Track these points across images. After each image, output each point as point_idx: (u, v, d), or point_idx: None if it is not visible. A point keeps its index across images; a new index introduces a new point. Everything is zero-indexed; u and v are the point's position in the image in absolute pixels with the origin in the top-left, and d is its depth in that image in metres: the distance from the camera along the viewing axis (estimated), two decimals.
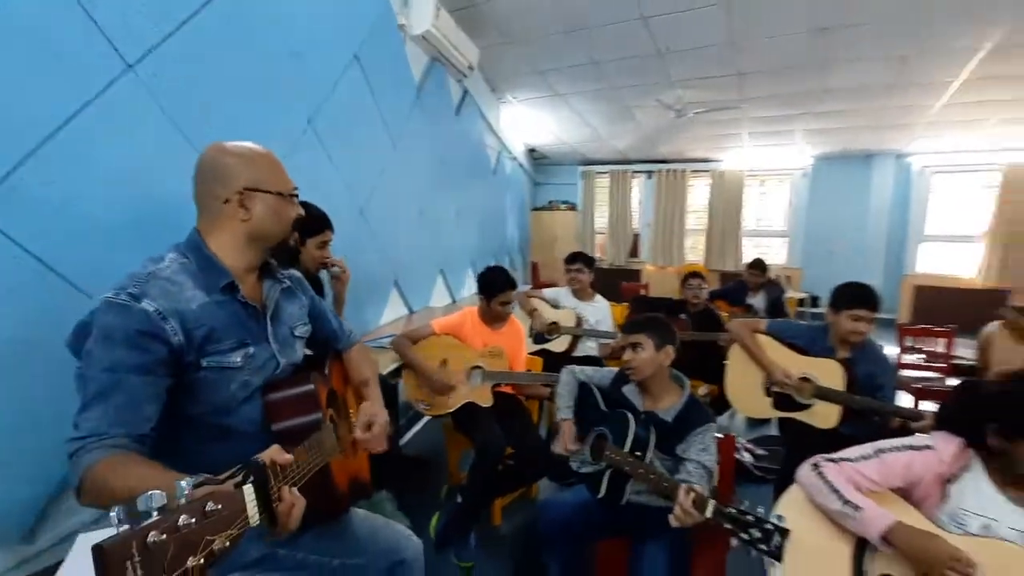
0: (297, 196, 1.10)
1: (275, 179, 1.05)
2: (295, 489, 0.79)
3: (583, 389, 1.85)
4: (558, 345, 3.19)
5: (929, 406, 2.45)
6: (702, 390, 3.09)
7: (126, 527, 0.53)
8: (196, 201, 1.02)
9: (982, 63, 4.08)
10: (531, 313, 3.27)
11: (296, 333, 1.14)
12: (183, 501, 0.58)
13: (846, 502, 1.16)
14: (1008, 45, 3.75)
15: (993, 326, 2.76)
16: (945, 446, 1.17)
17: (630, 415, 1.65)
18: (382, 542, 1.07)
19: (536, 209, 8.83)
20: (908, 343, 3.62)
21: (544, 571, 1.56)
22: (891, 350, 3.91)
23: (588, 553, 1.68)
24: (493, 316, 2.53)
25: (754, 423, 3.50)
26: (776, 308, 3.90)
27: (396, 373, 2.52)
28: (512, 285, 2.49)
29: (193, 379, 0.93)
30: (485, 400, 2.33)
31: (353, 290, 2.24)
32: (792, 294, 5.36)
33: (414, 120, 3.69)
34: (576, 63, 4.60)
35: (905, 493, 1.21)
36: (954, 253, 6.85)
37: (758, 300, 4.00)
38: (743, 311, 3.96)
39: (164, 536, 0.54)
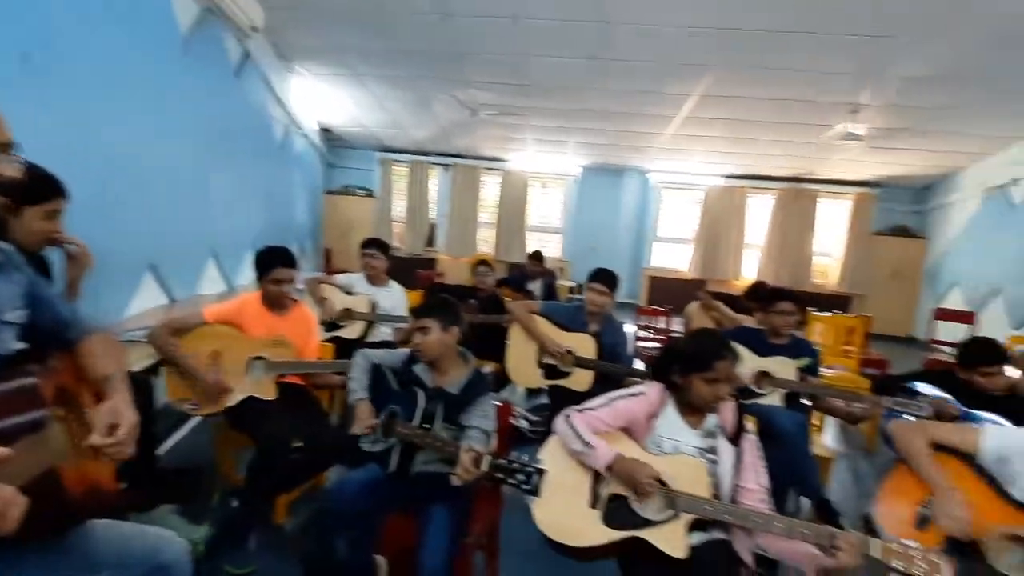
0: (7, 149, 0.87)
1: None
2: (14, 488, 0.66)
3: (376, 371, 1.88)
4: (351, 332, 3.13)
5: None
6: (487, 368, 3.39)
7: None
8: None
9: (693, 106, 5.33)
10: (320, 301, 3.12)
11: (5, 319, 0.91)
12: None
13: (584, 443, 1.46)
14: (708, 95, 4.98)
15: (692, 305, 3.70)
16: (651, 391, 1.57)
17: (420, 391, 1.75)
18: (133, 550, 0.93)
19: (331, 193, 8.35)
20: (642, 321, 4.56)
21: (332, 553, 1.56)
22: (632, 327, 4.85)
23: (377, 528, 1.74)
24: (274, 300, 2.35)
25: (531, 395, 3.98)
26: (550, 293, 4.49)
27: (153, 370, 2.17)
28: (287, 263, 2.31)
29: None
30: (268, 393, 2.17)
31: (91, 274, 1.85)
32: (564, 282, 6.21)
33: (179, 77, 3.16)
34: (375, 45, 4.51)
35: (627, 430, 1.57)
36: (677, 251, 8.78)
37: (536, 286, 4.55)
38: (524, 296, 4.45)
39: None
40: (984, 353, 2.19)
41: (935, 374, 2.46)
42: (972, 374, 2.17)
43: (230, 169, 4.06)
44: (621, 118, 5.99)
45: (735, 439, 1.49)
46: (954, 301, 6.75)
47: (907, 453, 1.52)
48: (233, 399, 2.12)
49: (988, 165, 6.26)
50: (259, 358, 2.22)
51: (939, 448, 1.50)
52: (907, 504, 1.47)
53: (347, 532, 1.59)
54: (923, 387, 2.35)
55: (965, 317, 5.09)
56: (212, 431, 2.37)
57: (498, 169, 8.51)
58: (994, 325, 5.57)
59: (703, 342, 1.52)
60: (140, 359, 2.10)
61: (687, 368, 1.47)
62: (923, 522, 1.42)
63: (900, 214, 8.04)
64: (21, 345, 0.98)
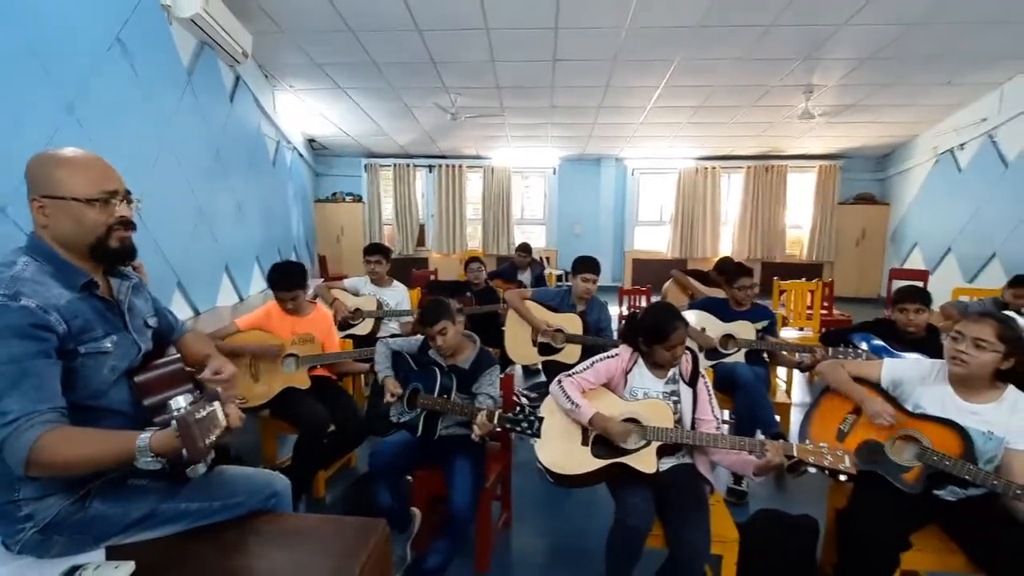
0: (115, 196, 1.11)
1: (79, 184, 1.07)
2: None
3: (396, 356, 2.24)
4: (362, 328, 3.47)
5: None
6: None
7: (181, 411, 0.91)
8: None
9: (659, 96, 5.70)
10: (332, 304, 3.45)
11: (148, 323, 1.25)
12: (189, 407, 0.92)
13: (572, 403, 1.82)
14: (671, 85, 5.35)
15: (668, 282, 4.09)
16: (624, 352, 1.94)
17: (436, 370, 2.11)
18: (255, 482, 1.28)
19: (320, 201, 8.61)
20: (626, 301, 4.94)
21: (375, 498, 1.93)
22: (616, 309, 5.22)
23: (410, 484, 2.11)
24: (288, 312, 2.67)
25: (528, 374, 4.37)
26: (539, 282, 4.85)
27: None
28: (285, 286, 2.56)
29: (71, 367, 1.03)
30: (303, 383, 2.51)
31: None
32: (551, 270, 6.58)
33: (186, 108, 3.45)
34: (355, 60, 4.79)
35: (608, 385, 1.94)
36: (658, 233, 9.19)
37: (526, 276, 4.91)
38: (516, 286, 4.80)
39: (200, 415, 0.90)
40: (906, 293, 2.58)
41: (874, 324, 2.86)
42: (896, 312, 2.57)
43: (232, 188, 4.35)
44: (591, 111, 6.34)
45: (692, 383, 1.87)
46: (915, 261, 7.24)
47: (835, 382, 1.92)
48: (273, 391, 2.46)
49: (937, 132, 6.72)
50: (291, 355, 2.56)
51: (853, 379, 1.90)
52: (830, 424, 1.86)
53: (388, 485, 1.95)
54: (863, 338, 2.75)
55: (919, 275, 5.54)
56: (257, 421, 2.70)
57: (480, 166, 8.82)
58: (949, 280, 6.05)
59: (657, 318, 1.85)
60: None
61: (649, 340, 1.84)
62: (841, 435, 1.81)
63: (864, 182, 8.51)
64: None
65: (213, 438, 0.93)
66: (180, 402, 0.92)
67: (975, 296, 4.26)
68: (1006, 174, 5.49)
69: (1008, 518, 1.54)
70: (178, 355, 1.22)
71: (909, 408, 1.78)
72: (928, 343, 2.51)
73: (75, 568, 1.02)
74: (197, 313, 3.57)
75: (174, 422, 0.89)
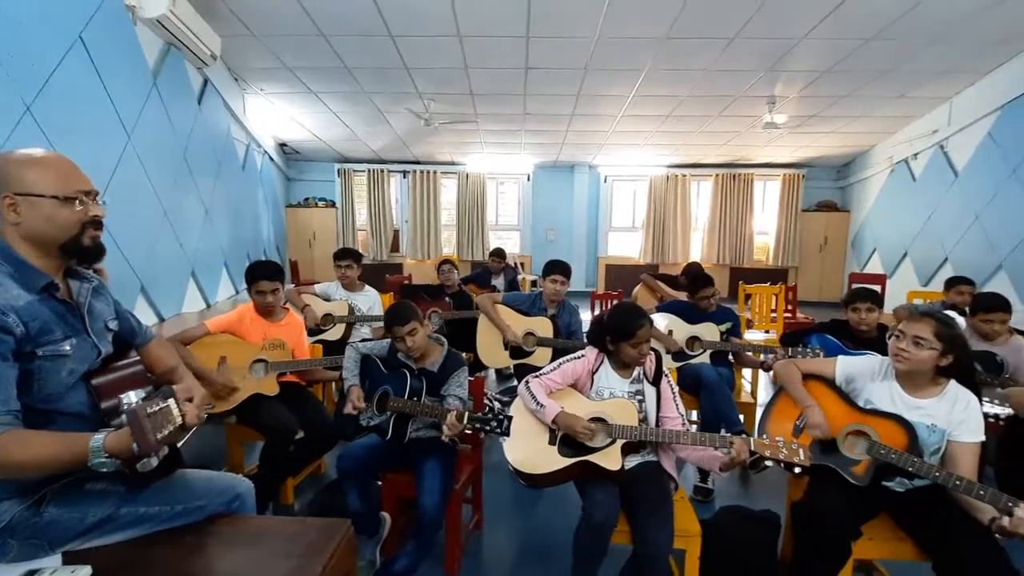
0: (87, 196, 1.12)
1: (52, 182, 1.07)
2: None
3: (366, 360, 2.23)
4: (333, 334, 3.43)
5: None
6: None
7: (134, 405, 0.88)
8: None
9: (629, 105, 5.83)
10: (303, 309, 3.41)
11: (109, 326, 1.24)
12: (140, 402, 0.90)
13: (537, 403, 1.85)
14: (640, 94, 5.49)
15: (638, 287, 4.18)
16: (590, 353, 1.99)
17: (406, 372, 2.11)
18: (217, 485, 1.27)
19: (291, 206, 8.50)
20: (598, 305, 5.01)
21: (344, 499, 1.92)
22: (589, 314, 5.29)
23: (380, 488, 2.11)
24: (265, 310, 2.65)
25: (501, 379, 4.39)
26: (512, 286, 4.88)
27: None
28: (268, 276, 2.56)
29: (28, 369, 1.01)
30: (271, 390, 2.48)
31: None
32: (526, 276, 6.62)
33: (151, 109, 3.39)
34: (327, 64, 4.77)
35: (575, 386, 1.98)
36: (630, 239, 9.35)
37: (499, 282, 4.94)
38: (489, 291, 4.82)
39: (153, 410, 0.89)
40: (857, 293, 2.71)
41: (830, 324, 2.99)
42: (850, 312, 2.69)
43: (200, 192, 4.27)
44: (564, 119, 6.44)
45: (655, 382, 1.92)
46: (875, 266, 7.55)
47: (784, 382, 2.00)
48: (240, 397, 2.42)
49: (892, 143, 7.05)
50: (260, 360, 2.53)
51: (810, 376, 1.99)
52: (787, 421, 1.94)
53: (357, 489, 1.95)
54: (819, 338, 2.86)
55: (877, 279, 5.79)
56: (224, 428, 2.64)
57: (455, 173, 8.84)
58: (906, 284, 6.33)
59: (624, 317, 1.89)
60: None
61: (616, 338, 1.89)
62: (798, 431, 1.89)
63: (826, 190, 8.84)
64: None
65: (166, 433, 0.93)
66: (131, 397, 0.91)
67: (927, 299, 4.47)
68: (956, 183, 5.79)
69: (953, 506, 1.63)
70: (138, 357, 1.21)
71: (861, 404, 1.87)
72: (879, 341, 2.63)
73: (31, 573, 1.00)
74: (162, 320, 3.49)
75: (124, 416, 0.89)
